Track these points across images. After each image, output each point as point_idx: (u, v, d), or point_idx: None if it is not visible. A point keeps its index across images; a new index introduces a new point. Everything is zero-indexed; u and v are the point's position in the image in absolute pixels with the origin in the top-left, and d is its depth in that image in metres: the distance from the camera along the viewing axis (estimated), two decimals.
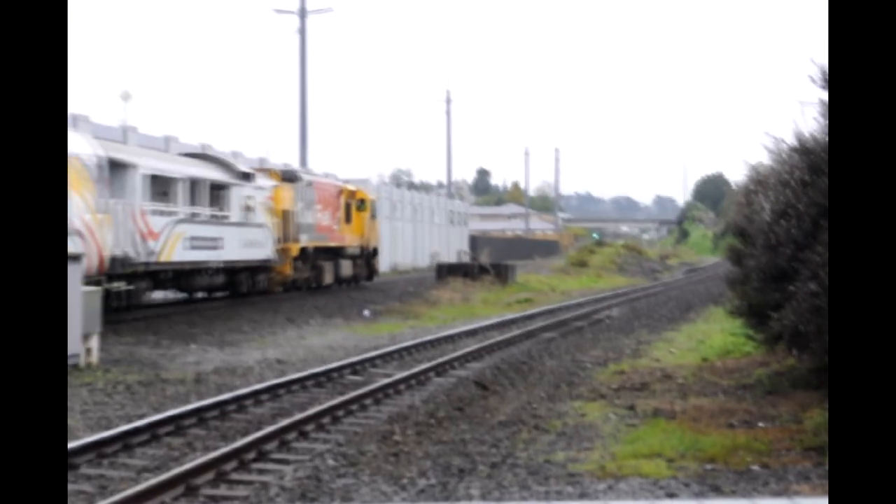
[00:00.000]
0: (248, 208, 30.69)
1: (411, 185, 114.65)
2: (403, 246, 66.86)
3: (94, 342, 18.11)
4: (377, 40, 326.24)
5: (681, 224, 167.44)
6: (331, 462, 10.52)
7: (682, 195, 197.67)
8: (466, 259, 58.95)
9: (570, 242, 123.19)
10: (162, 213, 25.80)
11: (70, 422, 12.53)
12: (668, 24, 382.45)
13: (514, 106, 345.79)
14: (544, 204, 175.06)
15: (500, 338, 23.13)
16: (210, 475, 9.84)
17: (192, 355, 20.01)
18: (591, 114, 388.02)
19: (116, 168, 23.84)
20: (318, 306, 31.97)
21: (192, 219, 27.55)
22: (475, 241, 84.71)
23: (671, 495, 9.11)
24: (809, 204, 12.21)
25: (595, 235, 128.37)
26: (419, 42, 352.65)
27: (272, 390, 14.92)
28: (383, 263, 52.84)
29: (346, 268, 39.83)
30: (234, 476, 10.09)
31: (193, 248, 27.21)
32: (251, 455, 10.73)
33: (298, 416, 12.66)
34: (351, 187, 42.17)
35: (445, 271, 47.31)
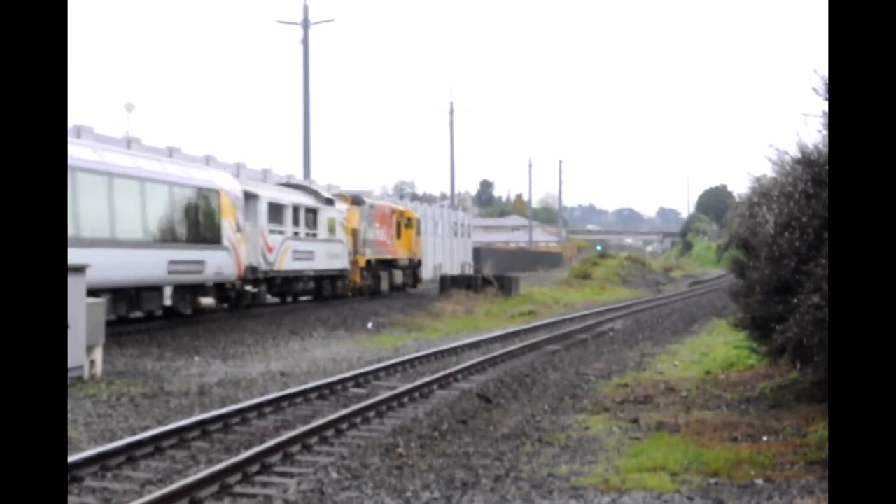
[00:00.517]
0: (330, 227, 37.63)
1: (414, 197, 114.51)
2: None
3: (98, 354, 18.13)
4: (380, 51, 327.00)
5: (684, 236, 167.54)
6: (334, 475, 10.52)
7: (685, 207, 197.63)
8: (470, 271, 59.09)
9: (574, 254, 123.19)
10: (277, 232, 32.79)
11: (74, 434, 12.54)
12: (673, 36, 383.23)
13: (517, 117, 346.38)
14: (548, 216, 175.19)
15: (503, 350, 23.11)
16: (214, 488, 9.83)
17: (195, 367, 20.00)
18: (594, 125, 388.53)
19: (248, 198, 30.90)
20: (322, 318, 31.99)
21: (296, 236, 34.48)
22: (478, 253, 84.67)
23: None
24: (813, 216, 12.23)
25: (598, 247, 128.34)
26: (422, 53, 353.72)
27: (276, 403, 14.92)
28: None
29: (398, 277, 46.06)
30: (238, 489, 10.08)
31: (296, 259, 34.40)
32: (255, 468, 10.73)
33: (302, 428, 12.65)
34: (400, 207, 48.75)
35: (449, 283, 48.16)
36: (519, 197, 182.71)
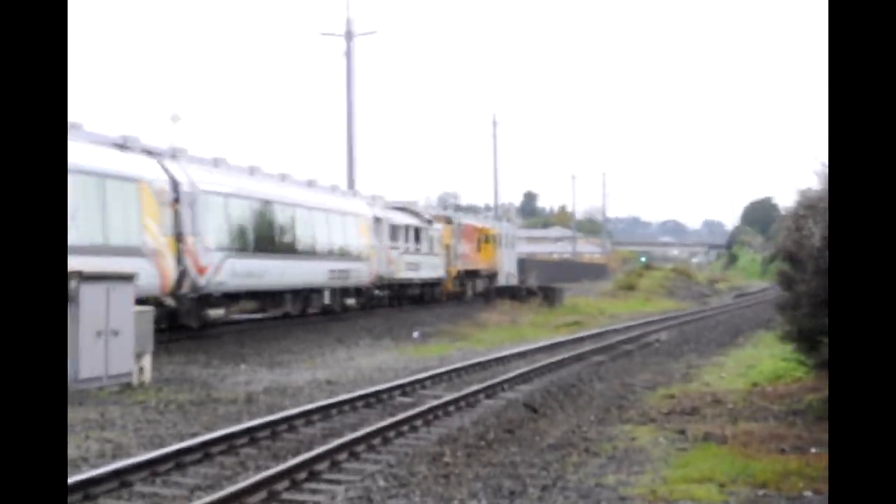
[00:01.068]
0: (430, 243, 45.28)
1: (458, 208, 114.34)
2: None
3: (147, 361, 18.33)
4: (423, 62, 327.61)
5: (729, 248, 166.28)
6: (382, 483, 10.56)
7: (730, 219, 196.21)
8: (515, 281, 59.43)
9: (618, 266, 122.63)
10: (395, 248, 40.77)
11: (124, 439, 12.71)
12: (718, 49, 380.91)
13: (561, 129, 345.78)
14: (591, 227, 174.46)
15: (548, 360, 23.08)
16: (262, 494, 9.92)
17: (242, 375, 20.15)
18: (638, 137, 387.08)
19: (375, 220, 38.83)
20: (368, 328, 32.12)
21: (407, 251, 42.32)
22: (523, 264, 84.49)
23: None
24: None
25: (643, 259, 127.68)
26: (465, 65, 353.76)
27: (323, 411, 15.01)
28: None
29: (480, 285, 53.40)
30: (286, 496, 10.16)
31: (408, 270, 42.49)
32: (303, 475, 10.80)
33: (349, 436, 12.71)
34: (479, 224, 55.41)
35: (494, 293, 50.43)
36: (562, 208, 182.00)
